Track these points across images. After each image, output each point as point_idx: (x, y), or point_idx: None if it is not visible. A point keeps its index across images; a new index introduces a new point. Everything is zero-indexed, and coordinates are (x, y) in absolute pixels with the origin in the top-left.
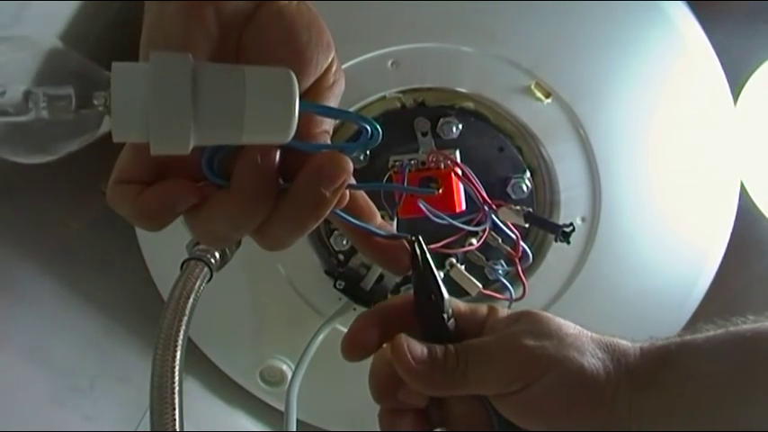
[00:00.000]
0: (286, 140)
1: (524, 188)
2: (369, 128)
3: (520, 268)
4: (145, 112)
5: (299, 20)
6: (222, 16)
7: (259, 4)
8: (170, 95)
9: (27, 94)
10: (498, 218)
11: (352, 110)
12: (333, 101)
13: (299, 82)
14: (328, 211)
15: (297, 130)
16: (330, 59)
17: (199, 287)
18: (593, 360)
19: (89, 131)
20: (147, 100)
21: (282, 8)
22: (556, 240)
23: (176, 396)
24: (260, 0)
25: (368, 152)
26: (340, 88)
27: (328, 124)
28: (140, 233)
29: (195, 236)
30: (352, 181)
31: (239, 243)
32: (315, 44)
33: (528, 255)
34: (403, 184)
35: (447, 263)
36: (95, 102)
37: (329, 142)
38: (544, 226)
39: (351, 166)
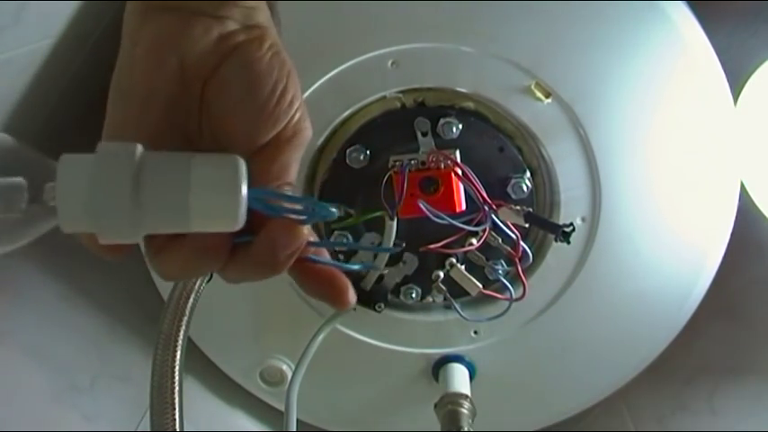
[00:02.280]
0: (236, 228)
1: (524, 188)
2: (320, 211)
3: (520, 268)
4: (88, 205)
5: (263, 77)
6: (186, 65)
7: (227, 55)
8: (112, 187)
9: None
10: (498, 218)
11: (351, 111)
12: (293, 152)
13: (257, 137)
14: (283, 271)
15: (257, 180)
16: (291, 114)
17: (199, 287)
18: None
19: (41, 224)
20: (90, 192)
21: (248, 64)
22: (556, 240)
23: (176, 396)
24: (228, 51)
25: (368, 152)
26: (301, 139)
27: (291, 175)
28: None
29: (151, 270)
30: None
31: None
32: (275, 102)
33: (528, 255)
34: (403, 183)
35: (447, 263)
36: (45, 196)
37: (290, 194)
38: (544, 226)
39: (305, 235)
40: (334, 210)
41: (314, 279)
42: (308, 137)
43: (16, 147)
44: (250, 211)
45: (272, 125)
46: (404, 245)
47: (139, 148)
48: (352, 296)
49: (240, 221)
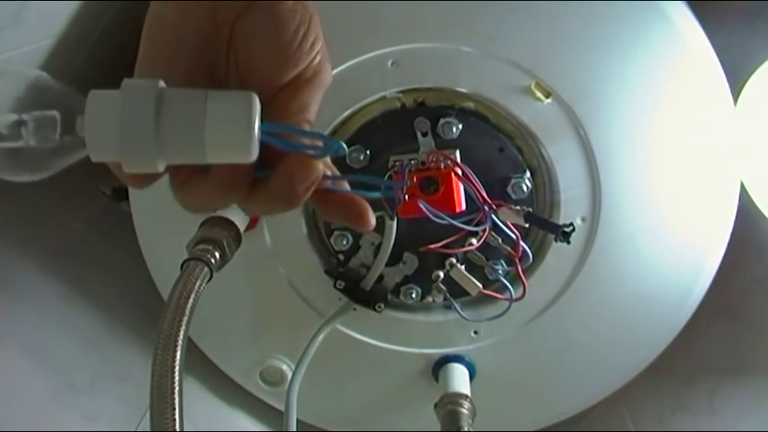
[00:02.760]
0: (250, 160)
1: (524, 188)
2: (332, 144)
3: (520, 268)
4: (114, 136)
5: (288, 19)
6: (217, 12)
7: (253, 2)
8: (135, 121)
9: (17, 121)
10: (498, 218)
11: (351, 111)
12: (313, 92)
13: (279, 76)
14: (301, 203)
15: (278, 117)
16: (312, 56)
17: (199, 287)
18: None
19: (73, 154)
20: (116, 125)
21: (273, 7)
22: (556, 240)
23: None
24: None
25: (368, 152)
26: (321, 80)
27: (310, 113)
28: (141, 233)
29: (177, 201)
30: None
31: (239, 243)
32: (297, 44)
33: (528, 255)
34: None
35: (447, 263)
36: (76, 128)
37: (308, 129)
38: (544, 226)
39: (320, 169)
40: (343, 144)
41: (334, 204)
42: (329, 79)
43: (51, 83)
44: (269, 146)
45: (294, 65)
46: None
47: (161, 83)
48: (372, 217)
49: (253, 153)
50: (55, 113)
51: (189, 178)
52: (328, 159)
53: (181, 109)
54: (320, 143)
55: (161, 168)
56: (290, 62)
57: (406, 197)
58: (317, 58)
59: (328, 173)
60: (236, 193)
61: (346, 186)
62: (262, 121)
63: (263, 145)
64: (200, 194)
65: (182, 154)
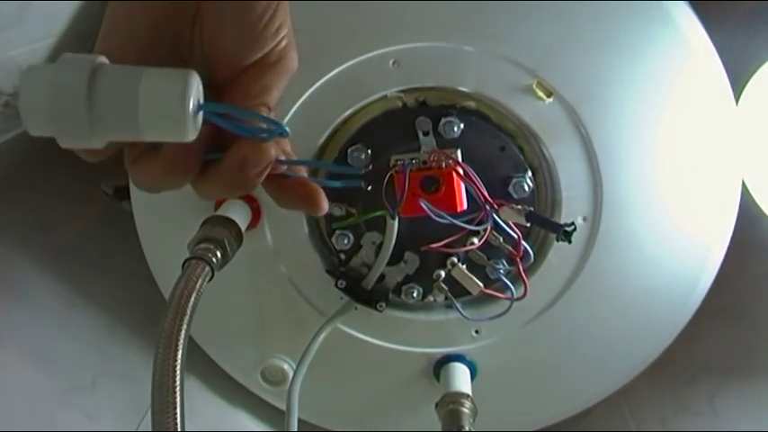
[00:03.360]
0: (186, 140)
1: (526, 187)
2: (276, 128)
3: (521, 267)
4: (48, 110)
5: (253, 1)
6: None
7: None
8: (67, 95)
9: None
10: (500, 217)
11: (352, 110)
12: (275, 76)
13: (243, 58)
14: (253, 188)
15: (238, 98)
16: (277, 40)
17: (200, 286)
18: None
19: (14, 127)
20: (49, 99)
21: None
22: (557, 240)
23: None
24: None
25: (369, 151)
26: (285, 65)
27: (271, 97)
28: (142, 232)
29: (130, 178)
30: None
31: (241, 242)
32: (262, 26)
33: (529, 254)
34: (404, 183)
35: (448, 262)
36: (17, 100)
37: (265, 114)
38: (545, 225)
39: (273, 153)
40: (286, 128)
41: (286, 190)
42: (293, 66)
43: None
44: (224, 129)
45: (259, 47)
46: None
47: (100, 58)
48: (324, 201)
49: (189, 133)
50: None
51: (140, 157)
52: (287, 144)
53: (115, 85)
54: (264, 126)
55: (98, 145)
56: (255, 44)
57: (368, 188)
58: (283, 43)
59: (282, 157)
60: (185, 174)
61: (303, 173)
62: (206, 101)
63: (216, 128)
64: (149, 173)
65: (117, 131)
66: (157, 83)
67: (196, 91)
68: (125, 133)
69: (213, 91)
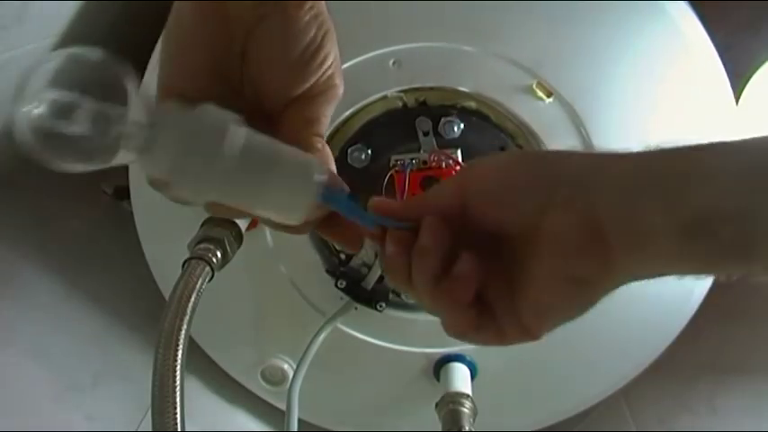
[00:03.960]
0: (295, 224)
1: None
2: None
3: None
4: (174, 157)
5: (300, 35)
6: (232, 20)
7: (269, 11)
8: (200, 150)
9: (77, 107)
10: None
11: (352, 110)
12: (322, 106)
13: (290, 90)
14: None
15: (288, 129)
16: (322, 71)
17: (200, 286)
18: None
19: (121, 156)
20: (181, 146)
21: (288, 22)
22: None
23: (177, 395)
24: (271, 6)
25: (369, 151)
26: (331, 95)
27: (321, 126)
28: (142, 232)
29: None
30: None
31: (241, 242)
32: (308, 59)
33: None
34: (405, 183)
35: None
36: (129, 129)
37: (320, 147)
38: None
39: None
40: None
41: (335, 230)
42: (339, 94)
43: (121, 69)
44: None
45: (304, 80)
46: None
47: (236, 119)
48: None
49: (301, 221)
50: (123, 108)
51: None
52: (331, 162)
53: (248, 158)
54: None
55: (199, 202)
56: (301, 77)
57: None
58: (329, 72)
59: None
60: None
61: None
62: (327, 192)
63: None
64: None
65: (232, 197)
66: (291, 167)
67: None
68: (241, 201)
69: (265, 121)
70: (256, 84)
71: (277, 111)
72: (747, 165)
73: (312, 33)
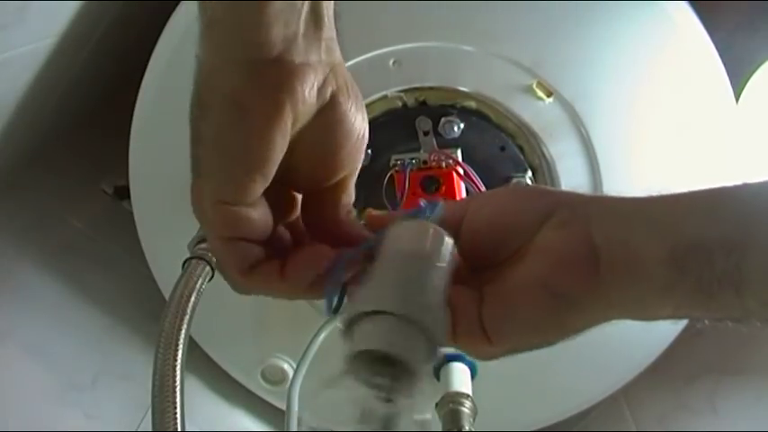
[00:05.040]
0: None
1: None
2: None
3: None
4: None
5: (350, 131)
6: (293, 121)
7: (322, 108)
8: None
9: None
10: None
11: None
12: (352, 180)
13: (336, 175)
14: None
15: (323, 207)
16: (363, 154)
17: (200, 286)
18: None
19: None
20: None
21: (339, 119)
22: None
23: (178, 395)
24: (323, 103)
25: (369, 151)
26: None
27: (351, 198)
28: (142, 232)
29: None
30: None
31: None
32: (357, 149)
33: None
34: (405, 182)
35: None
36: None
37: (352, 219)
38: None
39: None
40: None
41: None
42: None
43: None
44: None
45: (342, 172)
46: None
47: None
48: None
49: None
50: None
51: (258, 266)
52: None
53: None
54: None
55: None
56: (340, 171)
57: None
58: (361, 157)
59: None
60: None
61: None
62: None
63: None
64: (267, 286)
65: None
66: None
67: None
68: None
69: (302, 201)
70: (292, 168)
71: (308, 193)
72: (743, 199)
73: (359, 125)
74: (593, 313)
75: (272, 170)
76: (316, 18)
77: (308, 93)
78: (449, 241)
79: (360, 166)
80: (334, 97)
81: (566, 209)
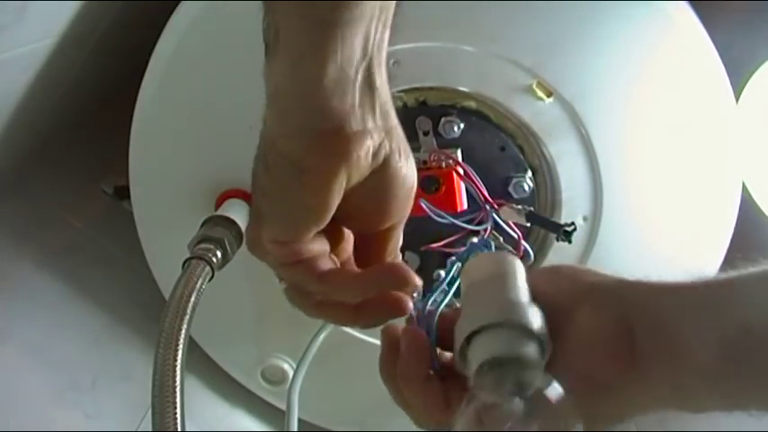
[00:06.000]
0: None
1: (526, 187)
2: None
3: None
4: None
5: (403, 186)
6: (351, 178)
7: (376, 169)
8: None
9: None
10: (500, 217)
11: None
12: (400, 227)
13: (387, 224)
14: None
15: (379, 253)
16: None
17: (200, 286)
18: None
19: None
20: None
21: (392, 177)
22: (557, 240)
23: (178, 395)
24: (377, 165)
25: None
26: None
27: (399, 242)
28: (142, 232)
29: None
30: None
31: (241, 242)
32: (407, 202)
33: (529, 254)
34: None
35: (449, 262)
36: None
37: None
38: (546, 225)
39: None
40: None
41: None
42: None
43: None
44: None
45: (399, 215)
46: None
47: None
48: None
49: None
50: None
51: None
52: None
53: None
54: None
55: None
56: (389, 220)
57: None
58: (409, 207)
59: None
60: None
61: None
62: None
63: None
64: (337, 316)
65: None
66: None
67: None
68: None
69: (354, 242)
70: (350, 216)
71: (359, 238)
72: None
73: (410, 180)
74: (633, 401)
75: (326, 220)
76: (370, 86)
77: (364, 158)
78: (514, 257)
79: (407, 214)
80: (386, 160)
81: (601, 292)
